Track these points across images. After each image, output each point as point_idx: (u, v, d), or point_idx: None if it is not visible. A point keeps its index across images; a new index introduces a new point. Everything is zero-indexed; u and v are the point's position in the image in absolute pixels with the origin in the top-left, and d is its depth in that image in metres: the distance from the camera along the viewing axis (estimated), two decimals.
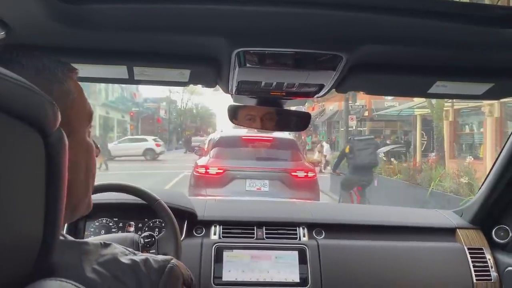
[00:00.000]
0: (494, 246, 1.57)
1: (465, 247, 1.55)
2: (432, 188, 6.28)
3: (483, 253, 1.55)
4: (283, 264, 1.47)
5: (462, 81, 1.07)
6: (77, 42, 0.93)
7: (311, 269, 1.46)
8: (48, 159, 0.48)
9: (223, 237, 1.53)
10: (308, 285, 1.43)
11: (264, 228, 1.56)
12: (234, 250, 1.49)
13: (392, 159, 8.53)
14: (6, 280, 0.44)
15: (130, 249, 0.64)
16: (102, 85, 35.23)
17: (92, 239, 0.63)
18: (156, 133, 38.53)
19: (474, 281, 1.49)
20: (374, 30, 0.88)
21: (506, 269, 1.48)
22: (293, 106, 1.40)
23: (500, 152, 1.51)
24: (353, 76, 1.07)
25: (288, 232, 1.55)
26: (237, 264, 1.46)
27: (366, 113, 23.97)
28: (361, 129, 25.29)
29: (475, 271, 1.50)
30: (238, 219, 1.59)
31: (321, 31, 0.88)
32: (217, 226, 1.56)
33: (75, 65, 0.69)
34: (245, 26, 0.88)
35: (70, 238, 0.61)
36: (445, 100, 12.81)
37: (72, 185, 0.60)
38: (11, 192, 0.43)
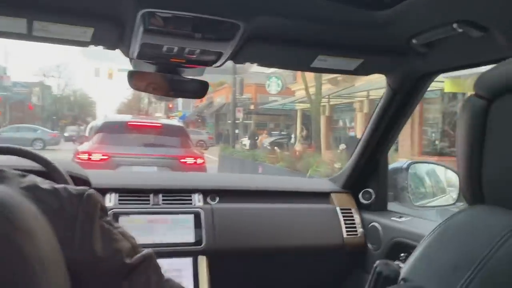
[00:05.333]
0: (360, 207, 1.83)
1: (337, 208, 1.79)
2: (310, 174, 6.84)
3: (351, 213, 1.80)
4: (179, 227, 1.55)
5: (339, 56, 1.26)
6: None
7: (206, 230, 1.55)
8: None
9: (119, 204, 1.55)
10: (203, 244, 1.53)
11: (160, 195, 1.61)
12: (130, 216, 1.52)
13: (276, 148, 9.03)
14: None
15: (47, 181, 0.67)
16: None
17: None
18: (28, 121, 35.04)
19: (345, 236, 1.73)
20: (270, 2, 1.01)
21: (370, 225, 1.75)
22: (191, 76, 1.47)
23: (366, 126, 1.77)
24: (249, 47, 1.18)
25: (183, 198, 1.63)
26: (134, 228, 1.48)
27: (252, 107, 24.84)
28: (247, 122, 26.13)
29: (345, 227, 1.75)
30: (134, 186, 1.62)
31: None
32: (113, 194, 1.56)
33: None
34: None
35: None
36: (322, 95, 13.95)
37: None
38: None
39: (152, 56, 1.25)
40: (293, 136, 20.82)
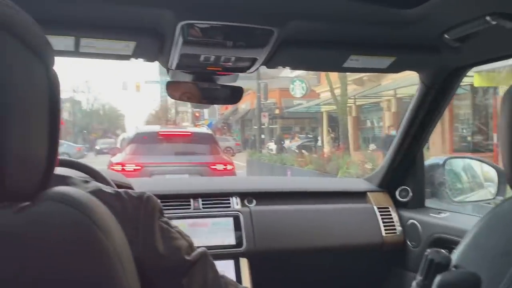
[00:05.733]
0: (398, 205, 1.83)
1: (375, 207, 1.79)
2: (340, 175, 6.80)
3: (389, 211, 1.80)
4: (220, 230, 1.59)
5: (371, 55, 1.28)
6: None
7: (246, 232, 1.59)
8: (50, 88, 0.55)
9: None
10: (243, 246, 1.57)
11: (200, 199, 1.66)
12: (172, 220, 1.57)
13: (303, 151, 9.03)
14: (24, 185, 0.51)
15: (108, 186, 0.72)
16: None
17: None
18: (60, 136, 36.14)
19: (383, 234, 1.73)
20: (302, 6, 1.04)
21: (408, 222, 1.75)
22: (225, 82, 1.51)
23: (400, 124, 1.78)
24: (282, 51, 1.22)
25: (222, 201, 1.67)
26: None
27: (277, 111, 24.86)
28: (272, 126, 26.16)
29: (384, 226, 1.75)
30: (174, 192, 1.67)
31: (258, 6, 1.02)
32: None
33: None
34: None
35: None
36: (348, 96, 13.85)
37: None
38: (29, 114, 0.50)
39: (189, 66, 1.30)
40: (319, 138, 20.71)
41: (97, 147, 31.90)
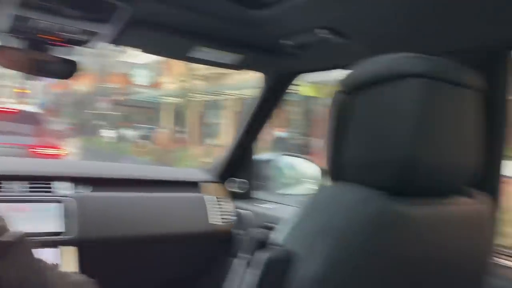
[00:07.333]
0: (228, 195, 1.93)
1: (204, 196, 1.84)
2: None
3: (219, 201, 1.88)
4: (44, 216, 1.43)
5: (218, 49, 1.32)
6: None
7: (75, 219, 1.47)
8: None
9: None
10: (71, 234, 1.44)
11: (19, 182, 1.48)
12: None
13: (143, 141, 8.80)
14: None
15: None
16: None
17: None
18: None
19: (212, 223, 1.79)
20: None
21: (237, 212, 1.86)
22: (60, 55, 1.38)
23: (240, 123, 1.89)
24: (128, 31, 1.17)
25: (48, 186, 1.52)
26: None
27: (118, 97, 23.60)
28: (111, 113, 24.75)
29: (213, 215, 1.81)
30: None
31: None
32: None
33: None
34: None
35: None
36: (193, 91, 13.99)
37: None
38: None
39: (22, 30, 1.16)
40: (162, 129, 20.43)
41: None
